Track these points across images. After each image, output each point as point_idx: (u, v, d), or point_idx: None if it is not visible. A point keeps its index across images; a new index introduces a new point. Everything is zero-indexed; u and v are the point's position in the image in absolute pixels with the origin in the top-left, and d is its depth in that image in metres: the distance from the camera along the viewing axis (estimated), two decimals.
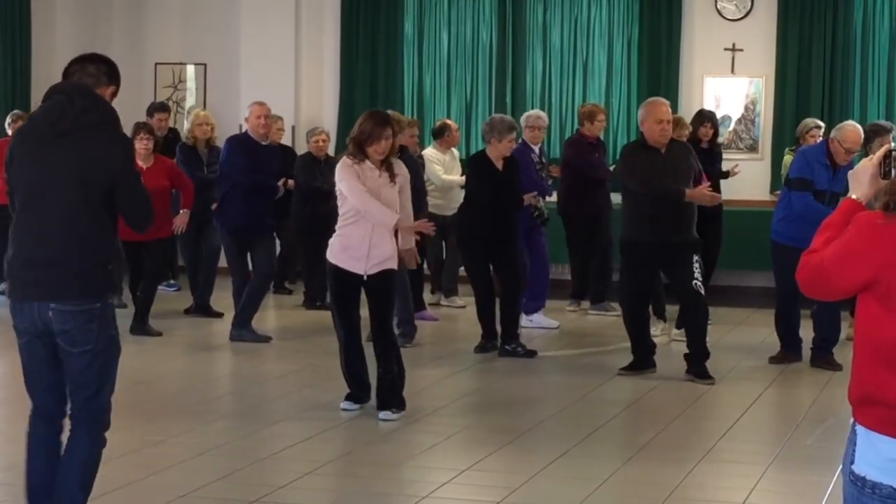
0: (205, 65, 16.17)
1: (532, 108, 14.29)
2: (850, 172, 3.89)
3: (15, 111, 14.00)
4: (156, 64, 16.25)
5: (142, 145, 11.52)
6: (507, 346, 10.88)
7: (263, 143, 11.46)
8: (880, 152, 3.82)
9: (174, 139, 14.01)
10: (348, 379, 8.77)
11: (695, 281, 9.85)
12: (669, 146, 9.98)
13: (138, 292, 11.89)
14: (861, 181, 3.83)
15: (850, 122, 10.87)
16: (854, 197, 3.83)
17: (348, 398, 8.77)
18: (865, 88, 14.71)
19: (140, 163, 10.91)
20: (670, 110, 10.07)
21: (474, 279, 11.17)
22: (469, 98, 15.81)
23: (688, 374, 9.92)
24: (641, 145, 10.08)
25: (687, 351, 10.04)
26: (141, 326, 11.62)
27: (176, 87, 16.22)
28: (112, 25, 16.37)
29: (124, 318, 11.28)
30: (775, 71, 14.87)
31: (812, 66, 14.73)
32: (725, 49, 14.95)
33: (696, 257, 9.87)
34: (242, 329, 11.38)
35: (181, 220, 11.89)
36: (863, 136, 10.46)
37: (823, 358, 10.47)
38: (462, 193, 13.17)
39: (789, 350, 10.71)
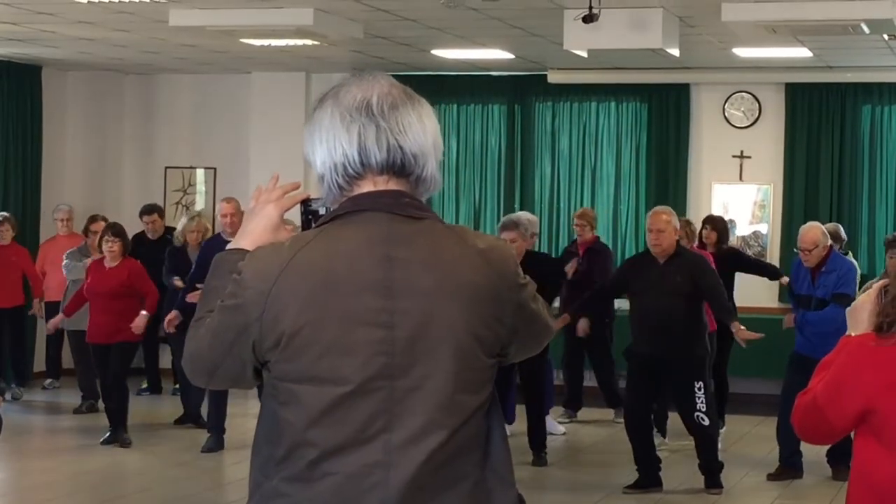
0: (214, 168, 16.24)
1: (540, 214, 14.32)
2: (847, 310, 3.53)
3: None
4: (166, 168, 16.33)
5: (107, 247, 11.43)
6: None
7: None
8: (876, 286, 3.49)
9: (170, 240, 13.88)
10: None
11: (697, 413, 9.54)
12: (674, 257, 9.65)
13: (107, 401, 11.51)
14: (860, 318, 3.46)
15: (810, 223, 10.67)
16: (853, 335, 3.46)
17: None
18: (874, 196, 14.70)
19: (107, 264, 11.40)
20: (666, 219, 9.65)
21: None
22: (478, 203, 15.83)
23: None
24: (643, 253, 10.00)
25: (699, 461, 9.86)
26: (114, 435, 11.31)
27: (185, 190, 16.29)
28: (123, 130, 16.47)
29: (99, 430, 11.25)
30: (783, 178, 14.89)
31: (820, 174, 14.74)
32: (734, 156, 14.98)
33: (698, 384, 9.52)
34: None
35: (139, 321, 11.31)
36: (820, 235, 10.07)
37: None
38: None
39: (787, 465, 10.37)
